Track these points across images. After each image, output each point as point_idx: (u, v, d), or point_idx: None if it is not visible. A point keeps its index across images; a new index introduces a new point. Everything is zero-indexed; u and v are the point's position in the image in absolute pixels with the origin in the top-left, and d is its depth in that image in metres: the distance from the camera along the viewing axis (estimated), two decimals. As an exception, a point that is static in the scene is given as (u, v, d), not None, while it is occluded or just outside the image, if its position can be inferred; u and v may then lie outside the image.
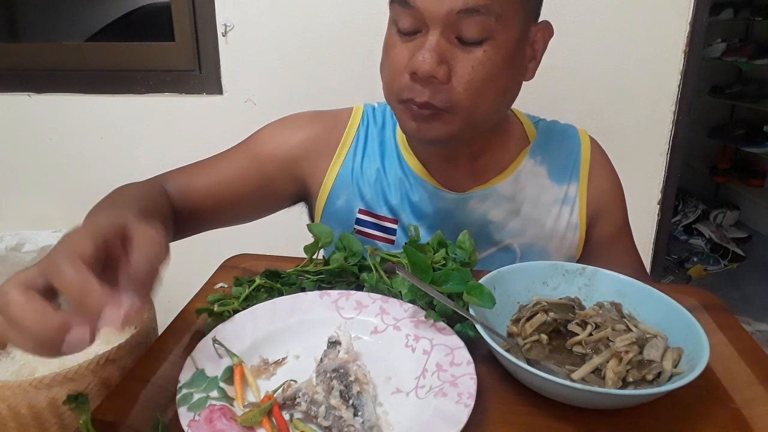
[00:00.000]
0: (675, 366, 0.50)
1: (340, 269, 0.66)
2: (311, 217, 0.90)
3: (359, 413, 0.45)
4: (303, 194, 0.87)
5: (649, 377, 0.49)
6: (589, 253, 0.84)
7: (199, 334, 0.57)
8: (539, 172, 0.81)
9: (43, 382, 0.59)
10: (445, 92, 0.64)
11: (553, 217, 0.80)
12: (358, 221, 0.82)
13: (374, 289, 0.63)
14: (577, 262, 0.84)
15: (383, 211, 0.81)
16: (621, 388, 0.49)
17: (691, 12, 1.30)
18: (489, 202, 0.79)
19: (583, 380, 0.49)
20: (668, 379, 0.49)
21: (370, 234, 0.82)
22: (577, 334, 0.54)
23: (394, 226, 0.81)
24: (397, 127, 0.83)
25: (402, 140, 0.82)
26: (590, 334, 0.54)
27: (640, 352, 0.51)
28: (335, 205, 0.83)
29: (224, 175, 0.81)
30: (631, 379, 0.49)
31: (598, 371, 0.50)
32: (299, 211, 0.93)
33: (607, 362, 0.50)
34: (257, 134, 0.86)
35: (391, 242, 0.81)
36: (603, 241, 0.84)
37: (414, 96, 0.64)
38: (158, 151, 1.65)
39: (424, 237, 0.78)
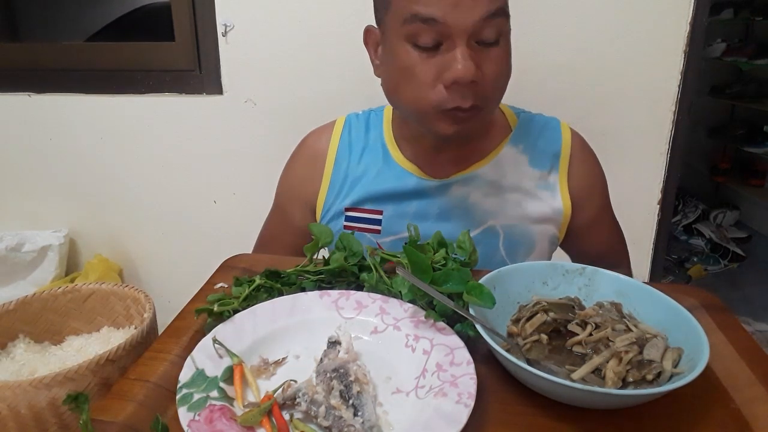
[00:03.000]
0: (675, 366, 0.50)
1: (340, 269, 0.66)
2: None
3: (359, 413, 0.45)
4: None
5: (649, 377, 0.49)
6: (576, 235, 0.88)
7: (199, 334, 0.57)
8: (520, 159, 0.84)
9: (43, 382, 0.59)
10: (480, 91, 0.69)
11: (534, 201, 0.84)
12: (347, 218, 0.87)
13: (374, 289, 0.63)
14: (563, 244, 0.90)
15: (368, 204, 0.85)
16: (621, 388, 0.49)
17: (691, 12, 1.29)
18: (470, 187, 0.83)
19: (583, 380, 0.49)
20: (668, 379, 0.49)
21: (358, 228, 0.86)
22: (577, 334, 0.54)
23: (379, 217, 0.85)
24: (383, 126, 0.89)
25: (389, 138, 0.87)
26: (590, 334, 0.54)
27: (640, 352, 0.51)
28: (330, 211, 0.88)
29: (283, 240, 0.96)
30: (631, 379, 0.49)
31: (598, 371, 0.50)
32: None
33: (607, 362, 0.50)
34: (277, 192, 0.96)
35: (378, 232, 0.85)
36: (587, 223, 0.88)
37: (461, 104, 0.69)
38: (158, 151, 1.65)
39: (412, 221, 0.81)
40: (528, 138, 0.85)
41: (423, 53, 0.68)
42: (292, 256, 0.95)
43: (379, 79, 0.79)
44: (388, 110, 0.90)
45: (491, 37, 0.68)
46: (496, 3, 0.66)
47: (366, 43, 0.81)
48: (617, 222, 0.94)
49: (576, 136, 0.88)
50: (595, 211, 0.88)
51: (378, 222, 0.85)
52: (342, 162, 0.88)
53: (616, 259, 0.94)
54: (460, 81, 0.66)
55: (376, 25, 0.78)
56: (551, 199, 0.84)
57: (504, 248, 0.83)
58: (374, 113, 0.91)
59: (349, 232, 0.82)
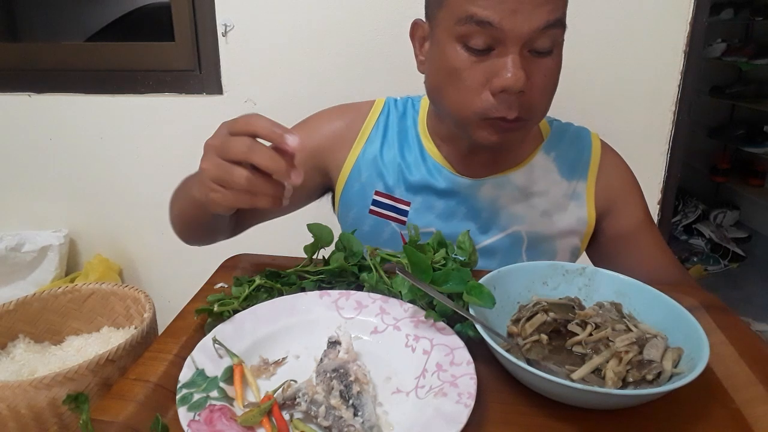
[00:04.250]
0: (675, 366, 0.50)
1: (340, 269, 0.66)
2: (333, 205, 0.93)
3: (359, 413, 0.45)
4: (328, 185, 0.91)
5: (649, 377, 0.49)
6: (608, 247, 0.86)
7: (199, 334, 0.57)
8: (551, 168, 0.84)
9: (43, 382, 0.59)
10: (526, 102, 0.67)
11: (561, 211, 0.83)
12: (374, 202, 0.85)
13: (374, 289, 0.63)
14: (597, 257, 0.87)
15: (399, 193, 0.84)
16: (621, 388, 0.49)
17: (691, 12, 1.29)
18: (501, 190, 0.82)
19: (583, 380, 0.49)
20: (668, 379, 0.49)
21: (385, 215, 0.85)
22: (577, 335, 0.54)
23: (407, 208, 0.84)
24: (419, 116, 0.87)
25: (423, 130, 0.86)
26: (590, 334, 0.54)
27: (640, 352, 0.51)
28: (353, 188, 0.86)
29: None
30: (631, 379, 0.49)
31: (598, 371, 0.50)
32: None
33: (607, 362, 0.50)
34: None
35: (403, 222, 0.84)
36: (620, 234, 0.84)
37: (505, 114, 0.67)
38: (158, 151, 1.65)
39: (436, 222, 0.82)
40: (560, 147, 0.85)
41: (473, 56, 0.66)
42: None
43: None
44: (426, 101, 0.87)
45: (545, 47, 0.65)
46: (555, 13, 0.64)
47: (412, 36, 0.78)
48: (664, 242, 0.87)
49: (606, 147, 0.87)
50: (630, 223, 0.84)
51: (404, 213, 0.84)
52: (374, 142, 0.86)
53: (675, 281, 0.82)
54: (509, 90, 0.64)
55: (425, 19, 0.75)
56: (578, 210, 0.83)
57: (526, 255, 0.82)
58: (412, 102, 0.89)
59: (374, 218, 0.83)
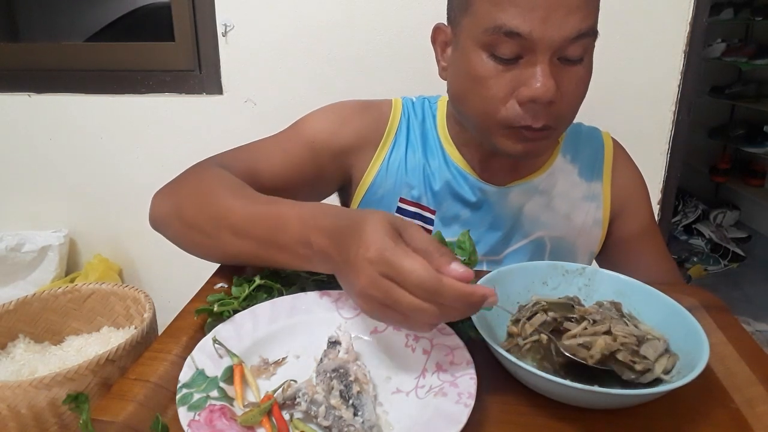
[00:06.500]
0: (666, 373, 0.50)
1: (340, 269, 0.66)
2: (344, 205, 0.90)
3: (359, 413, 0.45)
4: (345, 184, 0.87)
5: (638, 367, 0.48)
6: (613, 250, 0.85)
7: (199, 334, 0.57)
8: (570, 170, 0.83)
9: (43, 382, 0.59)
10: (555, 111, 0.65)
11: (582, 213, 0.82)
12: (398, 210, 0.83)
13: (374, 289, 0.63)
14: (600, 259, 0.87)
15: (425, 201, 0.82)
16: (620, 387, 0.49)
17: (691, 12, 1.30)
18: (526, 196, 0.81)
19: (570, 348, 0.49)
20: (653, 380, 0.49)
21: None
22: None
23: (432, 216, 0.82)
24: (437, 120, 0.84)
25: (444, 134, 0.83)
26: (585, 328, 0.53)
27: (638, 345, 0.51)
28: (376, 195, 0.83)
29: (284, 164, 0.78)
30: (620, 358, 0.49)
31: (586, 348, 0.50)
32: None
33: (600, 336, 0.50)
34: (308, 122, 0.83)
35: (429, 231, 0.82)
36: (627, 237, 0.84)
37: (531, 123, 0.65)
38: (158, 151, 1.65)
39: (460, 231, 0.79)
40: (576, 148, 0.84)
41: (500, 64, 0.64)
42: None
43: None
44: (443, 103, 0.85)
45: (576, 55, 0.64)
46: (587, 21, 0.62)
47: (433, 41, 0.75)
48: (666, 249, 0.87)
49: (617, 145, 0.86)
50: (637, 226, 0.84)
51: (430, 221, 0.82)
52: (399, 147, 0.83)
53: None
54: (538, 100, 0.63)
55: (447, 24, 0.73)
56: (595, 211, 0.83)
57: (549, 261, 0.82)
58: (428, 103, 0.86)
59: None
